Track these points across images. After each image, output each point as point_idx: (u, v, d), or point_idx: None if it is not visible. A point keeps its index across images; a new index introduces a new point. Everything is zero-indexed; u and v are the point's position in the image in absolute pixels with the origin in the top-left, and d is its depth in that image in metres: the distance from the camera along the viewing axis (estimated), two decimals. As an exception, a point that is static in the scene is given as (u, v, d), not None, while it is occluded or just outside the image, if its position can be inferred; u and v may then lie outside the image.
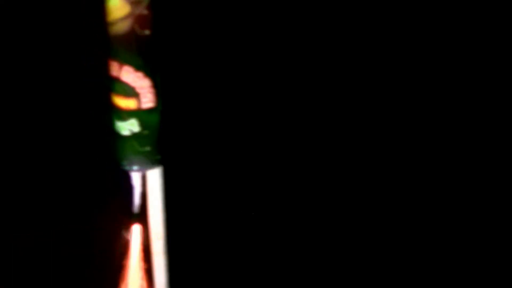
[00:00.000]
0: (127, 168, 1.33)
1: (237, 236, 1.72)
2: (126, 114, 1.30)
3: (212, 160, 1.68)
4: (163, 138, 1.30)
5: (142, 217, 1.38)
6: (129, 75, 1.27)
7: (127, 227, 1.37)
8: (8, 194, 2.22)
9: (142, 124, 1.30)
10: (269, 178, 1.76)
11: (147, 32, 1.27)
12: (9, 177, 2.20)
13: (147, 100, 1.30)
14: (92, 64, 1.34)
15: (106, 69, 1.29)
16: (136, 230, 1.37)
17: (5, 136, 2.13)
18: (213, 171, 1.68)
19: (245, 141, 1.66)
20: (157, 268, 1.39)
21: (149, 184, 1.36)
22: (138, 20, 1.25)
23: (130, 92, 1.28)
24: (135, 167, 1.32)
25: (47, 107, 1.97)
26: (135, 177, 1.34)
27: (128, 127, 1.30)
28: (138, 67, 1.27)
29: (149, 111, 1.30)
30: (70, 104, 1.95)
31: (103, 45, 1.25)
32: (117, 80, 1.28)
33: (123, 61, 1.26)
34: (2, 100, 2.20)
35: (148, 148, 1.31)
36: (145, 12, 1.26)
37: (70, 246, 2.23)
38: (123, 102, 1.30)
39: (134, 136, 1.30)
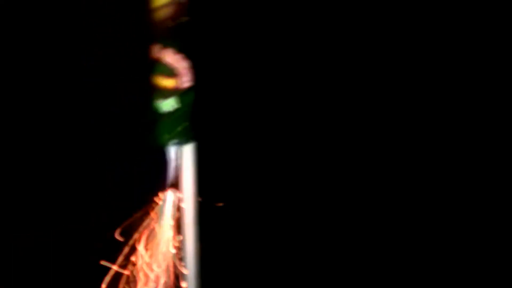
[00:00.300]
0: (165, 143, 1.43)
1: (264, 211, 1.83)
2: (165, 93, 1.43)
3: (242, 137, 1.81)
4: (197, 116, 1.43)
5: (176, 187, 1.47)
6: (169, 56, 1.41)
7: (163, 196, 1.46)
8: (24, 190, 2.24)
9: (180, 102, 1.43)
10: (297, 158, 1.92)
11: (185, 18, 1.41)
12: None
13: (185, 80, 1.43)
14: (136, 47, 1.46)
15: (148, 51, 1.41)
16: (170, 198, 1.45)
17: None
18: (242, 148, 1.81)
19: (273, 121, 1.80)
20: (188, 238, 1.47)
21: (184, 158, 1.46)
22: (178, 7, 1.40)
23: (170, 72, 1.42)
24: (172, 142, 1.42)
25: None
26: (172, 152, 1.43)
27: (167, 105, 1.40)
28: (178, 50, 1.41)
29: (186, 90, 1.43)
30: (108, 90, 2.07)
31: (147, 29, 1.39)
32: (158, 62, 1.41)
33: (165, 44, 1.40)
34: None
35: (184, 125, 1.43)
36: (184, 0, 1.41)
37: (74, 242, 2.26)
38: (164, 82, 1.43)
39: (172, 113, 1.42)
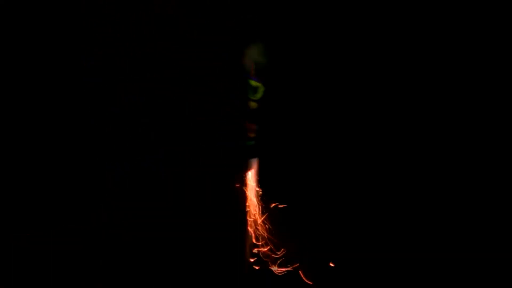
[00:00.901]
0: (249, 158, 2.67)
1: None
2: (251, 139, 2.66)
3: (281, 157, 2.56)
4: (258, 147, 2.58)
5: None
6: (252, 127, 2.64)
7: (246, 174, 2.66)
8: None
9: (254, 141, 2.65)
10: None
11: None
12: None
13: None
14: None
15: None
16: (249, 175, 2.63)
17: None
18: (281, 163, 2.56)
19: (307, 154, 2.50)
20: (251, 194, 2.62)
21: (254, 164, 2.65)
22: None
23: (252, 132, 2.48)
24: (251, 158, 2.67)
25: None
26: (250, 161, 2.67)
27: (250, 143, 2.66)
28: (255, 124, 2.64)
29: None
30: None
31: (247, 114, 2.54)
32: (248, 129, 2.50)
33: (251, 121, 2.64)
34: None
35: (255, 151, 2.64)
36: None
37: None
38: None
39: (251, 146, 2.65)
